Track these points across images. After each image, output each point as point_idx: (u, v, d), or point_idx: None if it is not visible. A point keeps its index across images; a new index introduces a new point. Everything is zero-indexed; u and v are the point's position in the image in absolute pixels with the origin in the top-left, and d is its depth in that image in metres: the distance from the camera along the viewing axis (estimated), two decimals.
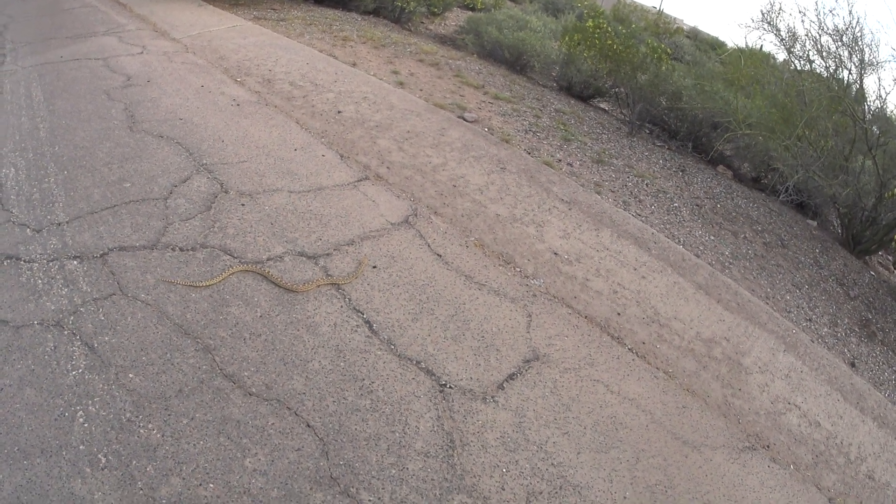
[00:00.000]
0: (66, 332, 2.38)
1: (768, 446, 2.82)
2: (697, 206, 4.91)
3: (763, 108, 4.91)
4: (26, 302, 2.50)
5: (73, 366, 2.24)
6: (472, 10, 9.60)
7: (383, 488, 2.06)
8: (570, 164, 4.97)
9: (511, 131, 5.21)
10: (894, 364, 3.72)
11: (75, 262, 2.77)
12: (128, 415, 2.09)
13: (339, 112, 4.84)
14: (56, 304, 2.52)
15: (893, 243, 4.76)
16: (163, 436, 2.03)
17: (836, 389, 3.25)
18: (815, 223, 5.39)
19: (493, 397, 2.57)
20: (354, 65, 5.90)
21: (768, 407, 3.04)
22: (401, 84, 5.62)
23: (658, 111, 6.24)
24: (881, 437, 3.06)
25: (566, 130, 5.61)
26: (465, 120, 5.15)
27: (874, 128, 4.82)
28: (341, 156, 4.26)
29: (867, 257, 5.13)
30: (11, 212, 3.06)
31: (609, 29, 6.07)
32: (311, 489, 1.98)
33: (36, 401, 2.07)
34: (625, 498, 2.33)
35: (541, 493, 2.23)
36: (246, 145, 4.06)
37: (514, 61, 7.19)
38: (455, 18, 9.88)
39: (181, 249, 2.96)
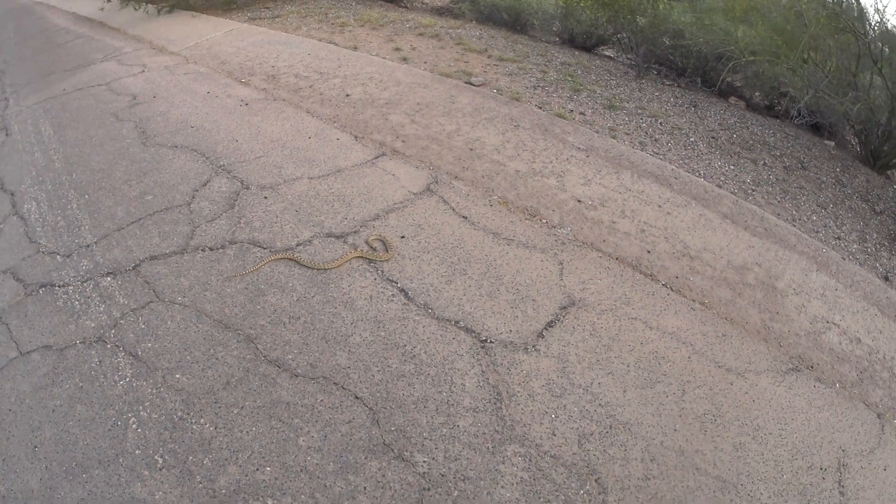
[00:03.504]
0: (108, 346, 2.39)
1: (812, 367, 2.67)
2: (713, 138, 4.65)
3: (764, 35, 4.58)
4: (66, 324, 2.51)
5: (119, 376, 2.25)
6: None
7: (436, 448, 2.00)
8: (583, 114, 4.76)
9: (519, 89, 5.00)
10: None
11: (109, 279, 2.76)
12: (179, 413, 2.08)
13: (347, 95, 4.71)
14: (95, 320, 2.52)
15: None
16: (215, 428, 2.02)
17: (872, 304, 3.06)
18: (832, 143, 5.06)
19: (534, 346, 2.48)
20: (356, 48, 5.73)
21: (807, 327, 2.88)
22: (404, 60, 5.44)
23: (662, 51, 5.91)
24: None
25: (574, 81, 5.36)
26: (472, 85, 4.96)
27: (879, 43, 4.46)
28: (355, 136, 4.15)
29: (888, 172, 4.80)
30: (39, 243, 3.07)
31: None
32: (365, 458, 1.94)
33: (88, 415, 2.07)
34: (675, 430, 2.23)
35: (591, 434, 2.15)
36: (260, 141, 3.98)
37: (514, 22, 6.90)
38: None
39: (211, 249, 2.92)
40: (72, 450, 1.97)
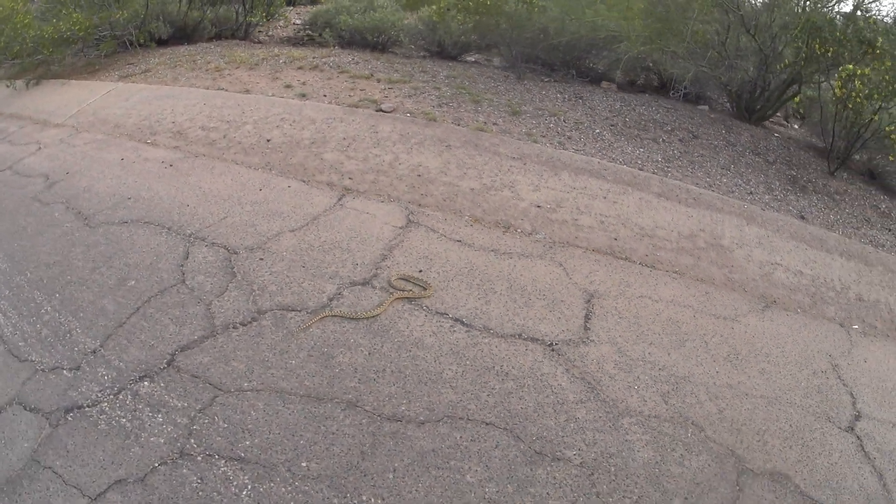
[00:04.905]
0: (199, 458, 2.37)
1: (775, 301, 3.80)
2: (612, 125, 5.82)
3: (638, 24, 5.90)
4: (128, 449, 2.42)
5: (237, 486, 2.28)
6: (313, 2, 9.62)
7: (575, 441, 2.58)
8: (496, 124, 5.57)
9: (428, 109, 5.64)
10: (833, 207, 4.99)
11: (146, 383, 2.70)
12: (335, 501, 2.25)
13: (268, 141, 4.90)
14: (163, 434, 2.48)
15: (795, 103, 6.14)
16: (384, 500, 2.23)
17: (800, 241, 4.36)
18: (706, 108, 6.66)
19: (587, 338, 3.18)
20: (248, 91, 5.85)
21: (759, 272, 4.04)
22: (303, 96, 5.73)
23: (532, 50, 7.04)
24: (853, 267, 4.23)
25: (470, 94, 6.17)
26: (384, 112, 5.47)
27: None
28: (303, 181, 4.42)
29: (764, 123, 6.50)
30: (31, 360, 2.84)
31: None
32: (531, 470, 2.41)
33: None
34: (717, 372, 3.11)
35: (668, 392, 2.91)
36: (212, 202, 4.06)
37: (377, 43, 7.52)
38: (295, 16, 9.85)
39: (243, 325, 3.05)
40: None
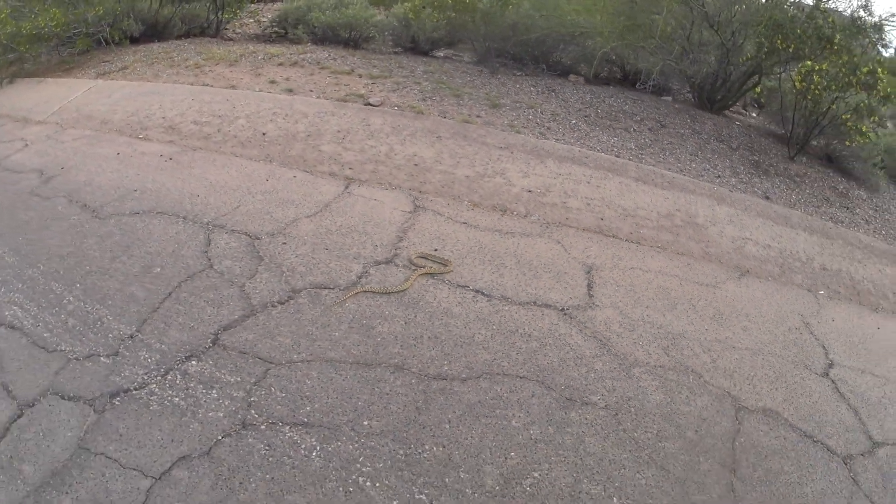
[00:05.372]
0: (262, 426, 2.60)
1: (748, 271, 4.35)
2: (586, 116, 6.32)
3: (606, 19, 6.43)
4: (186, 426, 2.53)
5: (307, 448, 2.49)
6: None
7: (598, 388, 2.99)
8: (479, 116, 5.97)
9: (414, 103, 5.97)
10: (795, 188, 5.64)
11: (194, 363, 2.85)
12: (400, 454, 2.57)
13: (263, 134, 5.11)
14: (221, 408, 2.63)
15: (756, 93, 6.80)
16: (444, 447, 2.58)
17: (766, 219, 4.95)
18: (670, 98, 7.26)
19: (593, 304, 3.61)
20: (233, 87, 6.01)
21: (731, 246, 4.59)
22: (290, 91, 5.95)
23: (504, 45, 7.47)
24: (816, 241, 4.88)
25: (450, 88, 6.54)
26: (372, 105, 5.76)
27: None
28: (307, 171, 4.68)
29: (724, 112, 7.15)
30: (61, 350, 2.90)
31: None
32: (565, 413, 2.81)
33: (306, 499, 2.31)
34: (706, 329, 3.60)
35: (668, 345, 3.38)
36: (222, 192, 4.25)
37: (351, 39, 7.78)
38: (262, 13, 9.95)
39: (280, 303, 3.30)
40: None
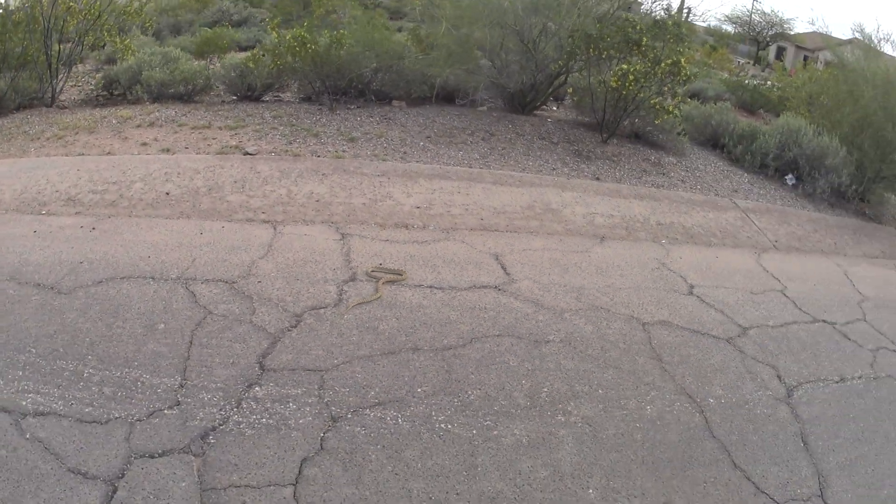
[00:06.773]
0: (349, 415, 3.48)
1: (605, 237, 6.10)
2: (428, 137, 7.75)
3: (442, 54, 7.95)
4: (287, 436, 3.30)
5: (388, 419, 3.49)
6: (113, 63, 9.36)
7: (550, 332, 4.34)
8: (346, 151, 7.02)
9: (285, 146, 6.80)
10: (615, 167, 7.67)
11: (258, 388, 3.48)
12: (445, 403, 3.67)
13: (167, 194, 5.52)
14: (308, 414, 3.38)
15: (568, 92, 8.78)
16: (475, 389, 3.74)
17: (603, 195, 6.85)
18: (485, 108, 9.00)
19: (513, 280, 5.01)
20: (110, 153, 6.15)
21: (584, 221, 6.34)
22: (167, 150, 6.31)
23: (336, 83, 8.55)
24: (646, 204, 7.00)
25: (305, 130, 7.45)
26: (251, 154, 6.45)
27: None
28: (230, 221, 5.30)
29: (535, 112, 9.06)
30: (117, 416, 3.23)
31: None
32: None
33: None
34: (596, 281, 5.22)
35: (577, 295, 4.92)
36: (168, 250, 4.64)
37: (186, 93, 8.17)
38: (80, 77, 9.59)
39: (293, 327, 4.03)
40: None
